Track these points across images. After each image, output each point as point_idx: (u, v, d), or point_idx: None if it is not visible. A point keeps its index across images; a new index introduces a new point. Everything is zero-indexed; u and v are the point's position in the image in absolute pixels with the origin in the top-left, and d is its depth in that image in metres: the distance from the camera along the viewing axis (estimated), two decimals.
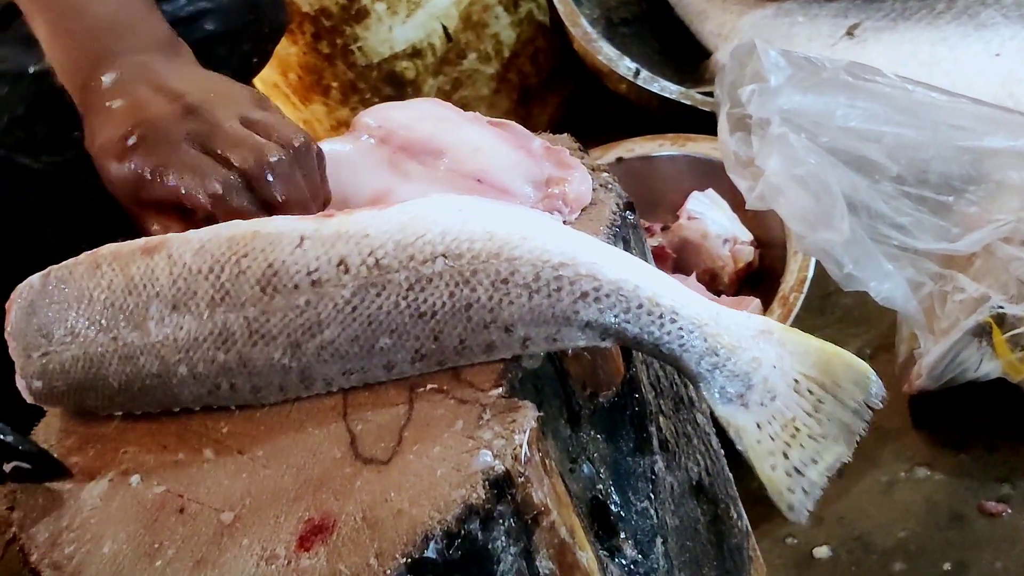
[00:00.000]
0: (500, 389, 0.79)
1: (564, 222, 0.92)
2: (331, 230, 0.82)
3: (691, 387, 1.03)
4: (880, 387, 0.84)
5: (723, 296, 1.62)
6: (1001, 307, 1.32)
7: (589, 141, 1.91)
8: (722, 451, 1.08)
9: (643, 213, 1.79)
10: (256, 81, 2.29)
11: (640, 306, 0.79)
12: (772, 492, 0.83)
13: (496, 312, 0.79)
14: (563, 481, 0.80)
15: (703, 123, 1.77)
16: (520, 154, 0.97)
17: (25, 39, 1.45)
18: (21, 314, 0.90)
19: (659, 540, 0.89)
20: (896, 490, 1.39)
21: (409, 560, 0.70)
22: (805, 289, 1.53)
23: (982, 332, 1.34)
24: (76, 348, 0.86)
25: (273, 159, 0.93)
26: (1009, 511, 1.30)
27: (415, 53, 2.12)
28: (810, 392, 0.83)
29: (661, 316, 0.79)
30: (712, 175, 1.72)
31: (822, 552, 1.35)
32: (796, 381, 0.83)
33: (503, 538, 0.73)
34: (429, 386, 0.81)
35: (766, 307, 1.55)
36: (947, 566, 1.28)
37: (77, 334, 0.86)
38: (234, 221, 0.88)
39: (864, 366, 0.84)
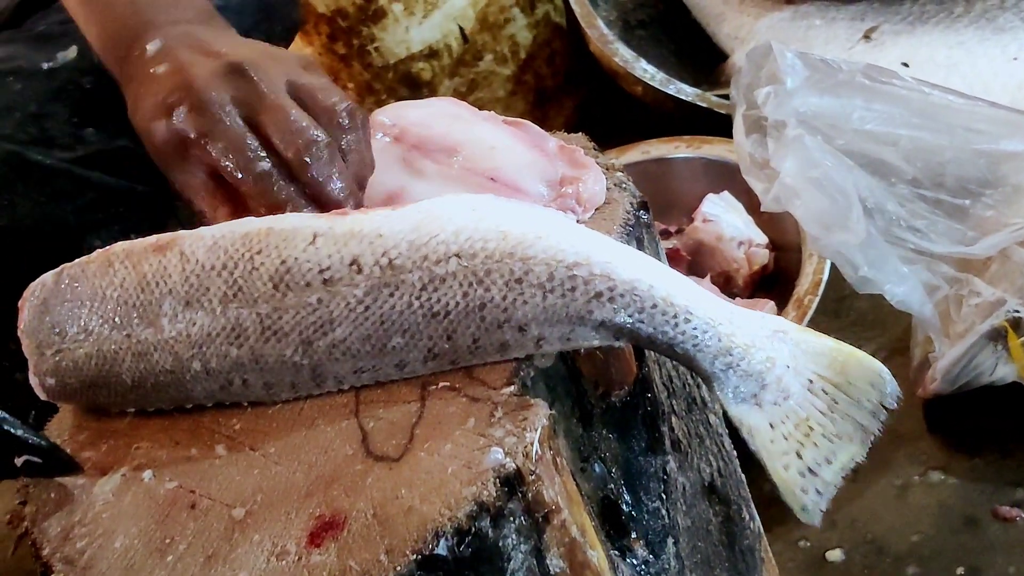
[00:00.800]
0: (512, 387, 0.78)
1: (578, 221, 0.91)
2: (344, 229, 0.82)
3: (704, 387, 1.02)
4: (895, 387, 0.84)
5: (737, 299, 1.62)
6: (1017, 311, 1.31)
7: (605, 143, 1.92)
8: (735, 452, 1.08)
9: (658, 215, 1.79)
10: None
11: (654, 306, 0.79)
12: (785, 492, 0.82)
13: (510, 312, 0.79)
14: (574, 480, 0.80)
15: (719, 125, 1.77)
16: (534, 153, 0.97)
17: (38, 36, 1.46)
18: (34, 312, 0.90)
19: (670, 540, 0.89)
20: (910, 494, 1.38)
21: (419, 557, 0.70)
22: (820, 292, 1.53)
23: (997, 336, 1.33)
24: (89, 345, 0.86)
25: (317, 145, 0.93)
26: (1023, 516, 1.30)
27: (431, 54, 2.12)
28: (824, 392, 0.83)
29: (675, 316, 0.79)
30: (727, 177, 1.71)
31: (835, 555, 1.35)
32: (810, 381, 0.82)
33: (513, 536, 0.73)
34: (441, 384, 0.81)
35: (781, 310, 1.55)
36: (960, 571, 1.27)
37: (90, 331, 0.87)
38: (247, 218, 0.88)
39: (879, 366, 0.84)
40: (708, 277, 1.66)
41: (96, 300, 0.87)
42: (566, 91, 2.29)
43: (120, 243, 0.89)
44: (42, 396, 0.91)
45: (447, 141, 0.99)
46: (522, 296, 0.79)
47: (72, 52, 1.46)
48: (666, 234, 1.73)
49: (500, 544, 0.72)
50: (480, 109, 1.06)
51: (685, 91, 1.94)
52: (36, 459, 0.85)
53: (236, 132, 0.94)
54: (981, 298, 1.33)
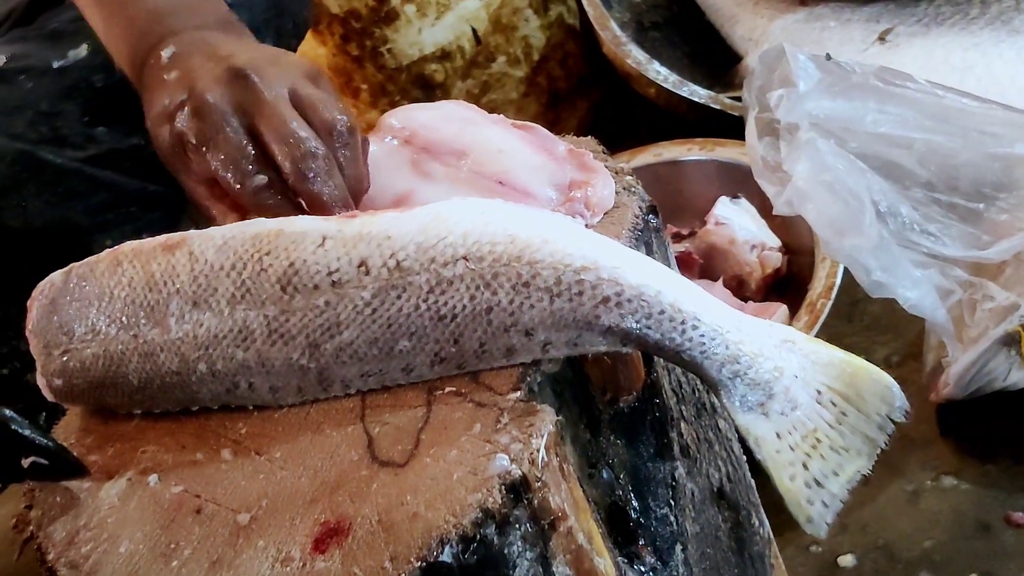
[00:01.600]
0: (519, 393, 0.78)
1: (586, 226, 0.91)
2: (353, 231, 0.82)
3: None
4: (904, 401, 0.83)
5: (750, 302, 1.61)
6: None
7: (617, 145, 1.92)
8: (744, 457, 1.07)
9: (671, 218, 1.78)
10: None
11: (662, 312, 0.78)
12: (791, 503, 0.82)
13: (517, 316, 0.78)
14: (581, 486, 0.79)
15: (732, 128, 1.76)
16: (543, 157, 0.97)
17: (49, 35, 1.46)
18: (42, 312, 0.90)
19: (678, 547, 0.88)
20: (922, 499, 1.38)
21: (424, 564, 0.69)
22: (833, 296, 1.52)
23: (1011, 341, 1.32)
24: (97, 346, 0.86)
25: (314, 157, 0.93)
26: None
27: (444, 56, 2.11)
28: (833, 404, 0.82)
29: (683, 322, 0.78)
30: (741, 180, 1.71)
31: (846, 561, 1.34)
32: (819, 392, 0.82)
33: (519, 543, 0.73)
34: (447, 389, 0.80)
35: (793, 314, 1.54)
36: None
37: (98, 332, 0.86)
38: (258, 219, 0.88)
39: (889, 379, 0.83)
40: (720, 280, 1.65)
41: (104, 300, 0.87)
42: (579, 93, 2.29)
43: (129, 242, 0.89)
44: (49, 397, 0.91)
45: (456, 144, 0.99)
46: (529, 300, 0.78)
47: (83, 50, 1.46)
48: (678, 237, 1.73)
49: (506, 551, 0.72)
50: (493, 111, 1.06)
51: (698, 93, 1.94)
52: (43, 461, 0.85)
53: (234, 142, 0.94)
54: (995, 302, 1.32)
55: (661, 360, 0.91)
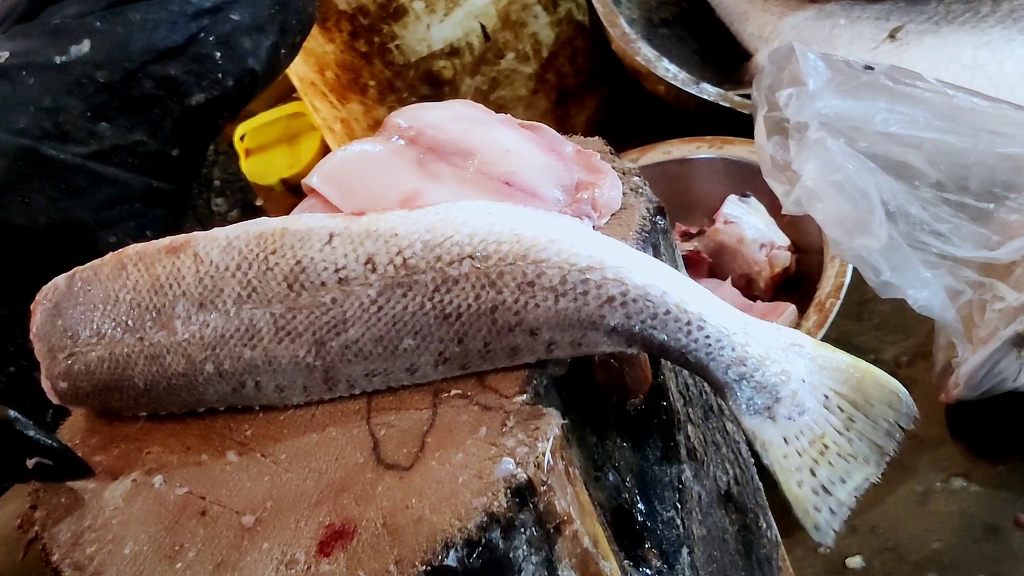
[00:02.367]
0: (524, 396, 0.78)
1: (593, 227, 0.91)
2: (360, 228, 0.82)
3: None
4: (912, 407, 0.83)
5: (759, 302, 1.61)
6: None
7: (627, 142, 1.92)
8: (752, 460, 1.07)
9: (680, 216, 1.78)
10: (293, 79, 2.31)
11: (667, 312, 0.78)
12: (798, 510, 0.82)
13: (522, 315, 0.78)
14: (587, 490, 0.79)
15: (742, 125, 1.76)
16: (550, 157, 0.96)
17: (52, 31, 1.46)
18: (47, 315, 0.90)
19: (685, 550, 0.88)
20: (931, 500, 1.37)
21: (429, 568, 0.69)
22: (842, 295, 1.52)
23: (1021, 342, 1.32)
24: (102, 349, 0.86)
25: None
26: None
27: (453, 52, 2.11)
28: (840, 409, 0.82)
29: (689, 323, 0.78)
30: (750, 178, 1.70)
31: (855, 562, 1.34)
32: (826, 397, 0.81)
33: (524, 547, 0.72)
34: (453, 391, 0.80)
35: (802, 313, 1.53)
36: None
37: (103, 335, 0.86)
38: (262, 219, 0.88)
39: (897, 385, 0.83)
40: (729, 279, 1.65)
41: (109, 303, 0.87)
42: (588, 90, 2.28)
43: (134, 245, 0.89)
44: (54, 400, 0.91)
45: (463, 144, 0.98)
46: (534, 299, 0.78)
47: (86, 46, 1.46)
48: (687, 236, 1.72)
49: (511, 555, 0.72)
50: (502, 107, 1.06)
51: (708, 91, 1.93)
52: (47, 461, 0.85)
53: None
54: (1005, 303, 1.32)
55: (668, 363, 0.91)
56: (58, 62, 1.45)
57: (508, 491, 0.71)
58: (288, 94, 2.47)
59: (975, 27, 1.81)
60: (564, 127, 2.19)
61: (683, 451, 0.91)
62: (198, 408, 0.87)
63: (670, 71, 1.97)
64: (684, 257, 1.65)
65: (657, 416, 0.89)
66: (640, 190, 0.95)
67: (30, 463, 0.83)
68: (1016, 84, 1.70)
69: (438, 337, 0.80)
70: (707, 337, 0.78)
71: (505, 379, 0.80)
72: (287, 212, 1.05)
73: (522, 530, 0.72)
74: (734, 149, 1.79)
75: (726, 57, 2.16)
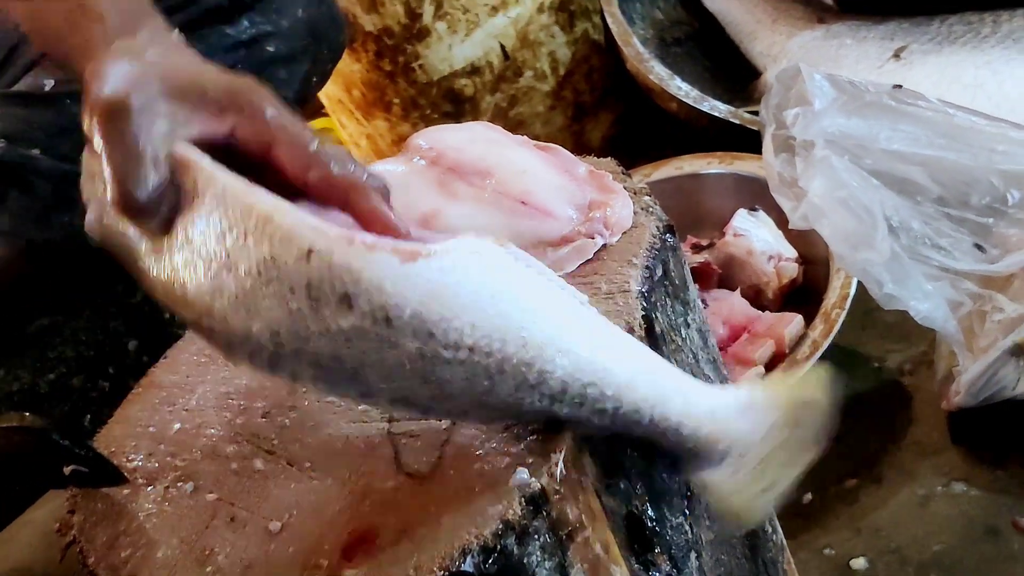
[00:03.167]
0: None
1: (605, 245, 0.91)
2: (342, 259, 0.70)
3: None
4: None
5: (767, 312, 1.61)
6: None
7: (640, 158, 1.92)
8: None
9: (691, 229, 1.78)
10: (322, 97, 2.32)
11: (651, 420, 0.77)
12: (741, 513, 0.83)
13: (513, 407, 0.75)
14: (599, 497, 0.79)
15: (752, 142, 1.76)
16: (564, 178, 0.97)
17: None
18: None
19: (693, 554, 0.88)
20: (933, 504, 1.37)
21: (447, 573, 0.69)
22: (847, 306, 1.52)
23: (1020, 351, 1.32)
24: None
25: None
26: None
27: (474, 71, 2.12)
28: (778, 434, 0.83)
29: (666, 429, 0.78)
30: (759, 193, 1.70)
31: (859, 563, 1.34)
32: (767, 432, 0.82)
33: (538, 553, 0.73)
34: None
35: (808, 323, 1.53)
36: None
37: None
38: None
39: (827, 402, 0.84)
40: (739, 290, 1.65)
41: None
42: (603, 106, 2.29)
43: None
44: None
45: (481, 164, 0.99)
46: (530, 399, 0.74)
47: None
48: (698, 248, 1.73)
49: (525, 561, 0.72)
50: (520, 124, 1.07)
51: (718, 108, 1.93)
52: (83, 469, 0.86)
53: None
54: (1004, 314, 1.32)
55: None
56: None
57: (522, 499, 0.72)
58: (317, 111, 2.47)
59: (976, 47, 1.80)
60: (580, 143, 2.20)
61: None
62: None
63: (682, 89, 1.98)
64: (695, 269, 1.65)
65: None
66: (651, 209, 0.96)
67: (67, 470, 0.84)
68: (1016, 103, 1.70)
69: (409, 387, 0.73)
70: (679, 434, 0.79)
71: None
72: None
73: (536, 537, 0.72)
74: (744, 164, 1.80)
75: (736, 75, 2.16)
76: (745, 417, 0.82)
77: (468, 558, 0.70)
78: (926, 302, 1.30)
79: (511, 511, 0.71)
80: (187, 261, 0.75)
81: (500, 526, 0.71)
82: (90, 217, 0.82)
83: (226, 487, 0.84)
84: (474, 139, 1.04)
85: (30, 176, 1.43)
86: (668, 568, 0.86)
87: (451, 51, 2.09)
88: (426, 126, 2.15)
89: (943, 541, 1.32)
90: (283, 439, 0.86)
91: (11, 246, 1.44)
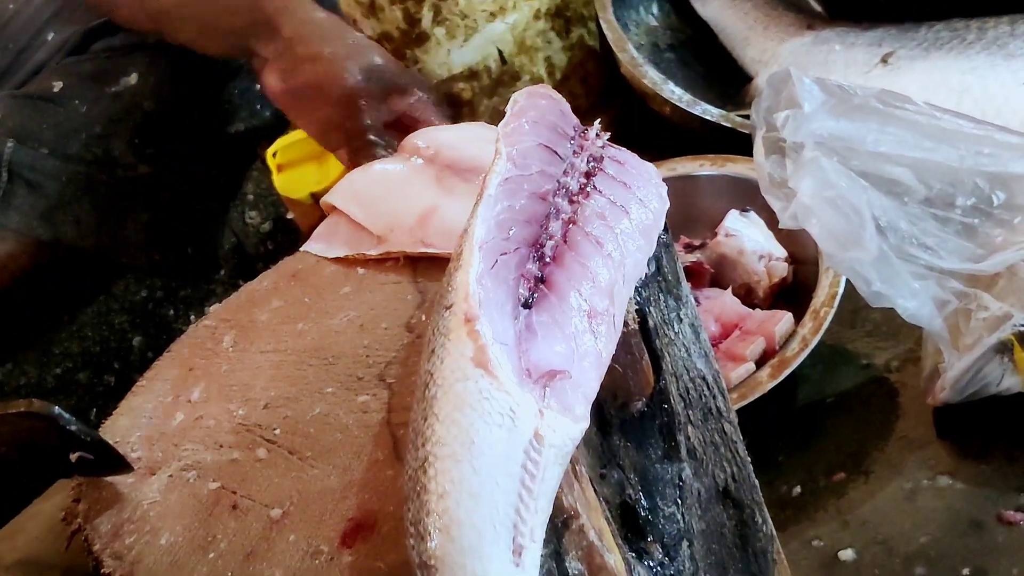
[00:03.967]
0: None
1: None
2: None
3: (719, 398, 1.02)
4: None
5: (758, 310, 1.61)
6: (1023, 325, 1.30)
7: None
8: (748, 458, 1.07)
9: (684, 229, 1.78)
10: None
11: None
12: None
13: None
14: (593, 486, 0.79)
15: (743, 144, 1.76)
16: None
17: (102, 62, 1.48)
18: None
19: (685, 543, 0.88)
20: (919, 497, 1.37)
21: None
22: (836, 304, 1.52)
23: (1004, 349, 1.32)
24: None
25: None
26: None
27: (472, 75, 2.12)
28: None
29: None
30: (750, 194, 1.70)
31: (847, 555, 1.33)
32: None
33: None
34: None
35: (798, 320, 1.53)
36: (966, 571, 1.25)
37: None
38: None
39: None
40: (730, 289, 1.65)
41: None
42: (598, 110, 2.28)
43: None
44: None
45: (478, 163, 0.99)
46: None
47: (133, 78, 1.48)
48: (690, 248, 1.72)
49: None
50: None
51: (711, 112, 1.93)
52: (89, 456, 0.85)
53: None
54: (989, 312, 1.32)
55: (670, 367, 0.91)
56: (109, 92, 1.47)
57: None
58: None
59: (962, 53, 1.80)
60: None
61: (683, 450, 0.92)
62: None
63: (675, 93, 1.97)
64: (688, 268, 1.65)
65: (659, 418, 0.89)
66: None
67: (73, 457, 0.84)
68: (1001, 106, 1.70)
69: None
70: None
71: None
72: (316, 223, 1.06)
73: None
74: (735, 167, 1.79)
75: (728, 80, 2.16)
76: None
77: None
78: (913, 300, 1.30)
79: None
80: None
81: None
82: None
83: (228, 476, 0.84)
84: (470, 138, 1.04)
85: (38, 175, 1.43)
86: (660, 556, 0.86)
87: (449, 56, 2.09)
88: None
89: (929, 533, 1.32)
90: (284, 429, 0.86)
91: (19, 243, 1.45)
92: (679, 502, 0.89)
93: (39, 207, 1.43)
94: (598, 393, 0.82)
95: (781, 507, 1.39)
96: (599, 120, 1.00)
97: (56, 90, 1.46)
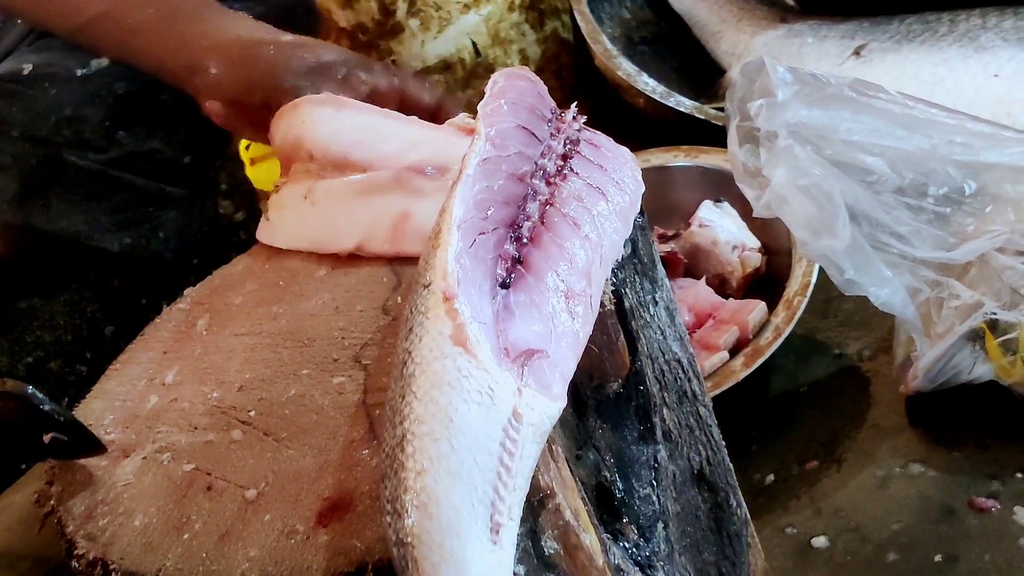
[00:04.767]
0: None
1: None
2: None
3: (694, 381, 1.02)
4: None
5: (731, 299, 1.61)
6: (994, 313, 1.30)
7: None
8: (723, 442, 1.07)
9: (658, 220, 1.78)
10: None
11: None
12: None
13: None
14: (569, 467, 0.79)
15: (716, 136, 1.77)
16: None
17: (73, 45, 1.47)
18: None
19: (660, 525, 0.88)
20: (891, 485, 1.37)
21: None
22: (808, 293, 1.52)
23: (976, 337, 1.32)
24: None
25: None
26: (998, 506, 1.29)
27: (446, 67, 2.11)
28: None
29: None
30: (723, 185, 1.71)
31: (820, 542, 1.34)
32: None
33: None
34: None
35: (771, 310, 1.54)
36: (938, 558, 1.26)
37: None
38: None
39: None
40: (704, 279, 1.65)
41: None
42: (572, 102, 2.28)
43: None
44: None
45: (353, 155, 0.99)
46: None
47: (105, 60, 1.47)
48: (664, 238, 1.72)
49: None
50: None
51: (684, 103, 1.94)
52: (63, 437, 0.85)
53: None
54: (960, 301, 1.32)
55: (646, 349, 0.91)
56: (79, 74, 1.46)
57: None
58: None
59: (934, 46, 1.82)
60: None
61: (659, 432, 0.91)
62: None
63: (649, 85, 1.98)
64: (662, 258, 1.63)
65: (635, 399, 0.89)
66: None
67: (46, 438, 0.83)
68: (972, 99, 1.71)
69: None
70: None
71: None
72: None
73: None
74: (709, 158, 1.80)
75: (702, 73, 2.17)
76: None
77: None
78: (885, 288, 1.30)
79: None
80: None
81: None
82: None
83: (203, 457, 0.84)
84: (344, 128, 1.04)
85: (7, 158, 1.42)
86: (636, 538, 0.86)
87: (424, 48, 2.09)
88: None
89: (901, 520, 1.32)
90: (259, 411, 0.86)
91: None
92: (654, 484, 0.89)
93: (9, 191, 1.42)
94: (574, 374, 0.82)
95: (754, 495, 1.40)
96: (575, 103, 0.98)
97: (26, 73, 1.45)
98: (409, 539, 0.64)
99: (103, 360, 1.03)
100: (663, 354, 0.96)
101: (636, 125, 2.08)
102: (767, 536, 1.34)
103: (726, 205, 1.71)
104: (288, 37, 1.24)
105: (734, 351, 1.51)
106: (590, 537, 0.78)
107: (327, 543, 0.73)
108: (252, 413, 0.85)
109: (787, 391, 1.57)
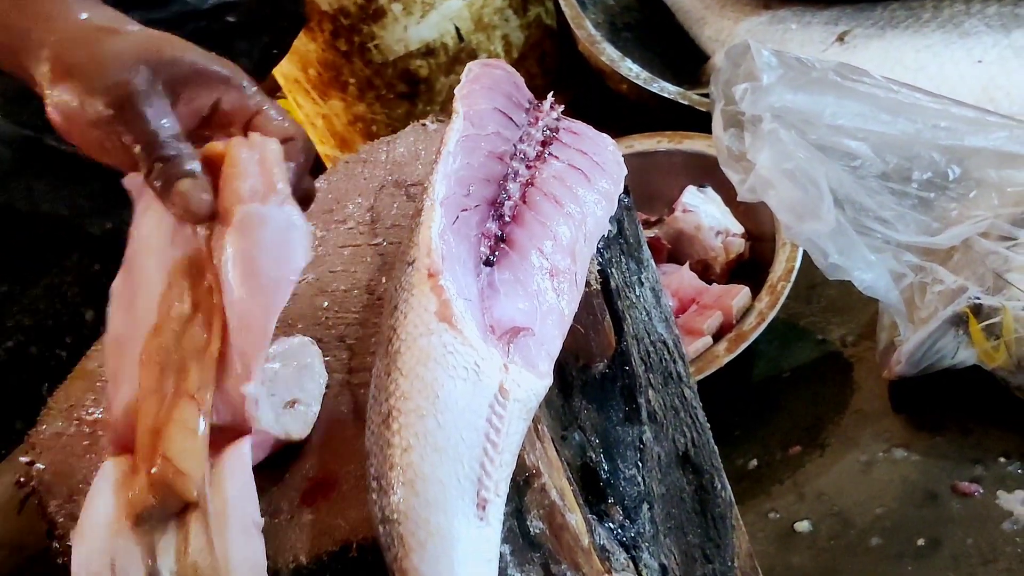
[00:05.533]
0: None
1: None
2: None
3: (679, 363, 1.02)
4: None
5: (715, 285, 1.61)
6: (977, 298, 1.31)
7: None
8: (708, 425, 1.08)
9: (641, 206, 1.78)
10: (277, 76, 2.30)
11: None
12: None
13: None
14: (555, 447, 0.79)
15: (700, 122, 1.77)
16: None
17: None
18: None
19: (645, 506, 0.88)
20: (874, 469, 1.38)
21: None
22: (792, 279, 1.52)
23: (959, 321, 1.33)
24: None
25: None
26: (980, 491, 1.29)
27: (429, 52, 2.11)
28: None
29: None
30: (707, 170, 1.70)
31: (803, 526, 1.34)
32: None
33: None
34: None
35: (755, 296, 1.54)
36: (921, 542, 1.27)
37: None
38: None
39: None
40: (687, 264, 1.65)
41: None
42: (556, 88, 2.27)
43: None
44: None
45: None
46: None
47: None
48: (648, 224, 1.72)
49: None
50: None
51: (668, 89, 1.94)
52: None
53: None
54: (944, 286, 1.33)
55: (631, 330, 0.91)
56: None
57: None
58: (272, 92, 2.45)
59: (917, 31, 1.82)
60: None
61: (644, 414, 0.91)
62: None
63: (632, 70, 1.98)
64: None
65: (620, 380, 0.89)
66: None
67: None
68: (956, 84, 1.71)
69: None
70: None
71: None
72: None
73: None
74: (692, 143, 1.80)
75: (686, 59, 2.16)
76: None
77: None
78: (869, 272, 1.30)
79: None
80: None
81: None
82: None
83: None
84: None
85: None
86: (621, 519, 0.86)
87: (406, 32, 2.08)
88: (382, 106, 2.15)
89: (884, 504, 1.33)
90: None
91: None
92: (639, 465, 0.89)
93: None
94: (560, 354, 0.82)
95: (738, 480, 1.40)
96: (552, 93, 0.98)
97: None
98: (395, 516, 0.64)
99: (83, 345, 1.02)
100: (648, 335, 0.96)
101: (619, 111, 2.08)
102: (750, 521, 1.35)
103: (710, 191, 1.71)
104: (135, 27, 0.98)
105: (717, 336, 1.51)
106: (576, 517, 0.78)
107: (311, 522, 0.73)
108: None
109: (770, 376, 1.57)
